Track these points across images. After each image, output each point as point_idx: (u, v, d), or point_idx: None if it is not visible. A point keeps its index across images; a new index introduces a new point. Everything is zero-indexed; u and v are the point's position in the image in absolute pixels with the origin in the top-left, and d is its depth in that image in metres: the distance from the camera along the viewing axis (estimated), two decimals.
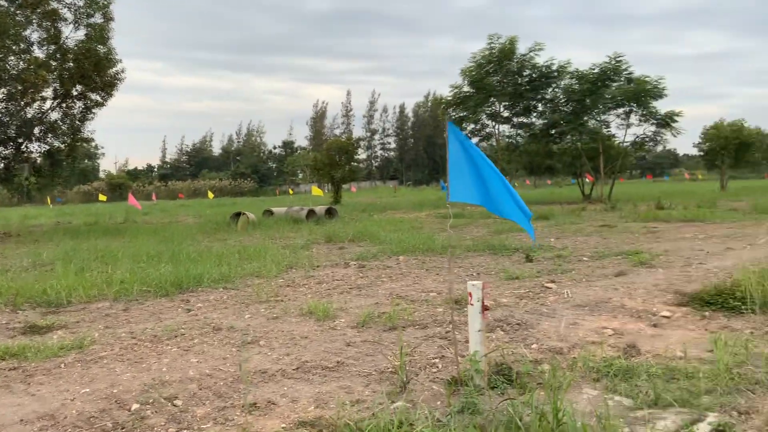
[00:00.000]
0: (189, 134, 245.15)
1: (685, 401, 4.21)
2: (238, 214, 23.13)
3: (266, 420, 4.25)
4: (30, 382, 5.26)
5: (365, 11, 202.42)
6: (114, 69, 23.95)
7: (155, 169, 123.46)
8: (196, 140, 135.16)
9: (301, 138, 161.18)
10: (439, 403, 4.41)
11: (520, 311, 7.31)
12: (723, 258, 10.97)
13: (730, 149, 43.99)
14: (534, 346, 5.84)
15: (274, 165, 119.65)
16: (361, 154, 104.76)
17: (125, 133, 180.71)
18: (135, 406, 4.59)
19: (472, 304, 4.71)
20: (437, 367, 5.27)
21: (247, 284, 9.87)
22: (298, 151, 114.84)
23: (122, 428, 4.22)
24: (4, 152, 23.83)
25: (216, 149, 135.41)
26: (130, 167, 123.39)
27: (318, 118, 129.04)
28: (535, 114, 36.34)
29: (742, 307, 6.83)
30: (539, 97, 35.22)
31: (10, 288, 9.46)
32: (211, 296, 9.02)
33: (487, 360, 4.76)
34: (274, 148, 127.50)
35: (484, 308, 4.77)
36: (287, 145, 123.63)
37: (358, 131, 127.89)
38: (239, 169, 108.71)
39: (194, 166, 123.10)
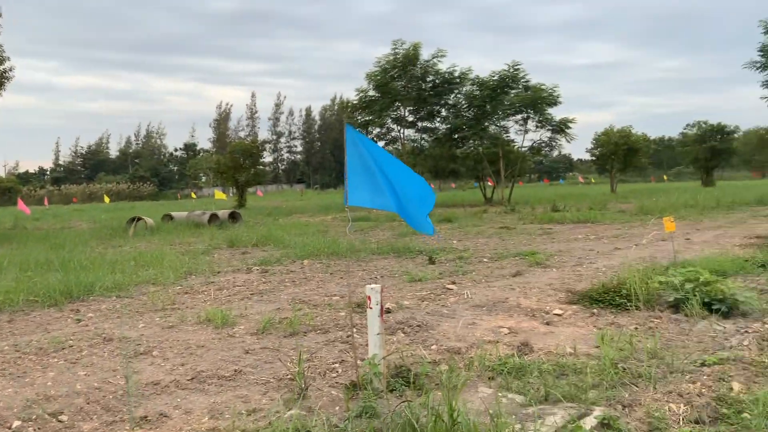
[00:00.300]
0: (84, 136, 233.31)
1: (573, 396, 4.38)
2: (135, 219, 22.24)
3: None
4: None
5: (270, 12, 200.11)
6: (2, 67, 22.48)
7: (47, 173, 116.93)
8: (92, 142, 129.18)
9: (204, 140, 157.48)
10: (337, 408, 4.39)
11: (421, 313, 7.41)
12: (611, 257, 11.57)
13: (620, 154, 46.56)
14: (433, 347, 5.93)
15: (176, 168, 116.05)
16: (267, 157, 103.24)
17: (15, 134, 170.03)
18: (16, 424, 4.30)
19: (371, 308, 4.72)
20: (337, 372, 5.25)
21: (142, 292, 9.49)
22: (201, 154, 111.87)
23: None
24: None
25: (113, 151, 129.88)
26: (21, 170, 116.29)
27: (222, 120, 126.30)
28: (438, 119, 37.11)
29: (628, 303, 7.22)
30: (442, 102, 35.99)
31: None
32: (104, 305, 8.60)
33: (386, 363, 4.79)
34: (176, 150, 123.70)
35: (383, 311, 4.79)
36: (189, 147, 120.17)
37: (263, 134, 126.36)
38: (138, 173, 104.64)
39: (90, 169, 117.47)
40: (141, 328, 7.14)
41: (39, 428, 4.25)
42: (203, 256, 13.72)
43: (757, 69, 27.23)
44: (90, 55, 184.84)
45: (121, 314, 7.97)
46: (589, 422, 3.94)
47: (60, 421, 4.36)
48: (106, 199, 63.26)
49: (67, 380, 5.26)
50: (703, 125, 56.66)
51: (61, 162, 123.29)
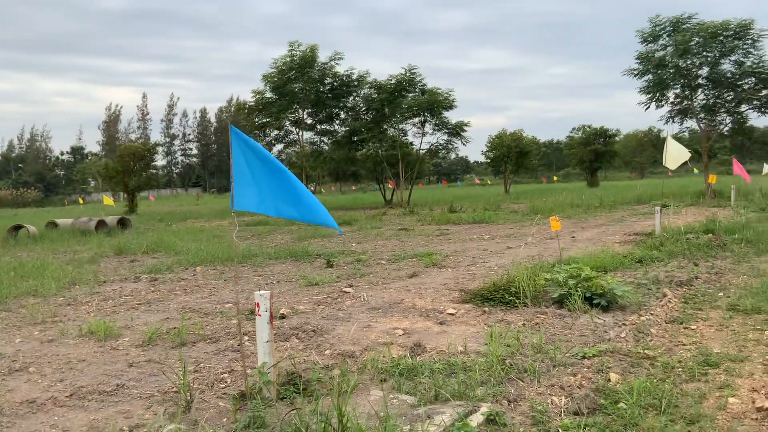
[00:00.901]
0: None
1: (461, 394, 4.47)
2: (17, 228, 20.85)
3: None
4: None
5: (162, 11, 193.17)
6: None
7: None
8: None
9: (93, 143, 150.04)
10: (225, 420, 4.26)
11: (317, 317, 7.35)
12: (503, 256, 11.96)
13: (512, 156, 48.27)
14: (327, 351, 5.89)
15: (63, 173, 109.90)
16: (160, 161, 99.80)
17: None
18: None
19: (259, 315, 4.62)
20: (226, 382, 5.10)
21: (21, 305, 8.88)
22: (89, 158, 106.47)
23: None
24: None
25: None
26: None
27: (111, 123, 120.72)
28: (337, 121, 37.15)
29: (517, 301, 7.47)
30: (341, 104, 36.05)
31: None
32: None
33: (276, 370, 4.70)
34: (62, 154, 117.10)
35: (273, 318, 4.70)
36: (77, 151, 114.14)
37: (156, 136, 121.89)
38: (22, 178, 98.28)
39: None
40: (18, 343, 6.67)
41: None
42: (89, 265, 13.02)
43: (635, 76, 28.98)
44: None
45: None
46: (476, 419, 4.03)
47: None
48: None
49: None
50: (588, 129, 59.78)
51: None
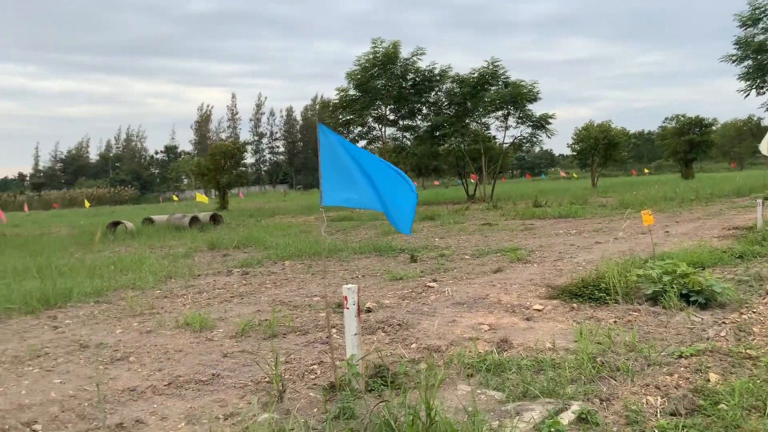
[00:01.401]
0: (64, 141, 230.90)
1: (551, 392, 4.39)
2: (115, 224, 22.03)
3: None
4: None
5: (250, 13, 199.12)
6: None
7: (27, 178, 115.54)
8: (72, 147, 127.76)
9: (185, 142, 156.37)
10: (315, 410, 4.36)
11: (402, 311, 7.39)
12: (591, 252, 11.63)
13: (600, 149, 46.80)
14: (413, 345, 5.91)
15: (157, 171, 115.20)
16: (249, 159, 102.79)
17: None
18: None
19: (347, 308, 4.69)
20: (316, 373, 5.22)
21: (121, 297, 9.38)
22: (182, 157, 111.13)
23: None
24: None
25: (93, 156, 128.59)
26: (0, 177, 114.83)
27: (203, 122, 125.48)
28: (419, 117, 37.14)
29: (607, 297, 7.25)
30: (423, 100, 36.02)
31: None
32: (81, 311, 8.49)
33: (364, 363, 4.76)
34: (156, 153, 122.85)
35: (361, 311, 4.76)
36: (170, 150, 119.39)
37: (245, 135, 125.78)
38: (119, 176, 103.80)
39: (70, 174, 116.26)
40: (118, 334, 7.06)
41: None
42: (183, 260, 13.61)
43: (734, 62, 27.51)
44: (69, 59, 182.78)
45: (98, 320, 7.88)
46: (567, 417, 3.94)
47: (33, 430, 4.29)
48: (87, 204, 62.55)
49: (41, 388, 5.18)
50: (682, 118, 57.16)
51: (41, 167, 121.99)
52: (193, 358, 5.87)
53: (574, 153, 51.79)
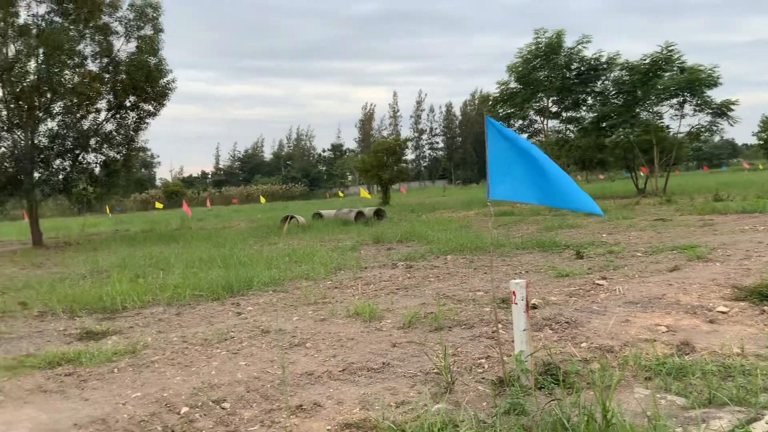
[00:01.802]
0: (241, 141, 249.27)
1: (741, 400, 4.05)
2: (288, 218, 23.42)
3: (312, 422, 4.27)
4: (84, 387, 5.41)
5: (411, 12, 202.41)
6: (165, 79, 24.55)
7: (209, 176, 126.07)
8: (248, 146, 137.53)
9: (350, 140, 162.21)
10: (484, 404, 4.36)
11: (569, 309, 7.17)
12: None
13: None
14: (583, 344, 5.72)
15: (324, 168, 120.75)
16: (409, 155, 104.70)
17: (180, 141, 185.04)
18: (184, 410, 4.67)
19: (516, 303, 4.63)
20: (483, 367, 5.21)
21: (296, 287, 9.96)
22: (347, 154, 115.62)
23: (171, 431, 4.30)
24: (63, 164, 24.69)
25: (267, 155, 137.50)
26: (185, 175, 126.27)
27: (366, 121, 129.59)
28: (584, 108, 35.69)
29: None
30: (588, 90, 34.56)
31: (67, 295, 9.79)
32: (261, 299, 9.14)
33: (533, 360, 4.68)
34: (324, 151, 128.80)
35: (529, 307, 4.68)
36: (336, 148, 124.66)
37: (405, 132, 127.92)
38: (290, 174, 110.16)
39: (247, 171, 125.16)
40: (295, 321, 7.50)
41: (205, 414, 4.58)
42: (351, 253, 14.17)
43: None
44: (245, 64, 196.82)
45: (276, 308, 8.43)
46: (760, 427, 3.62)
47: (223, 408, 4.68)
48: (262, 200, 67.00)
49: (229, 369, 5.64)
50: None
51: (221, 166, 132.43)
52: (364, 347, 6.11)
53: (761, 142, 47.14)
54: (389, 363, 5.49)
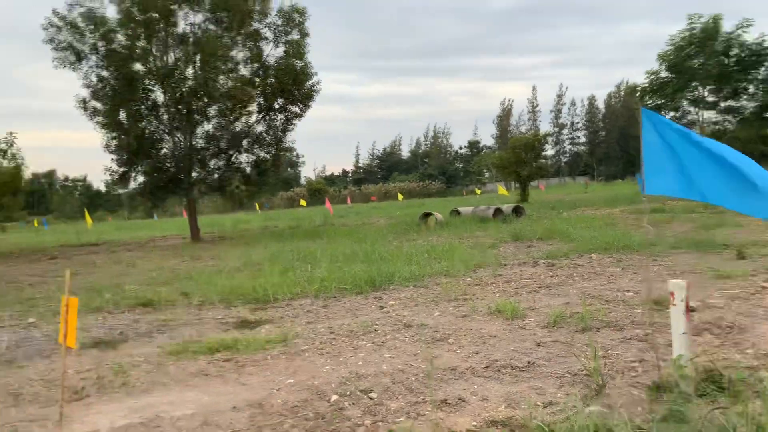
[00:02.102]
0: (380, 140, 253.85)
1: None
2: (426, 215, 23.59)
3: (457, 417, 4.28)
4: (241, 372, 5.76)
5: (550, 3, 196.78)
6: (310, 82, 25.58)
7: (350, 174, 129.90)
8: (387, 145, 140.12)
9: (487, 137, 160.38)
10: (639, 409, 4.15)
11: (731, 313, 6.66)
12: None
13: None
14: (749, 351, 5.28)
15: (461, 165, 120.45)
16: (549, 150, 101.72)
17: (323, 141, 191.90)
18: (334, 398, 4.84)
19: (674, 305, 4.37)
20: (636, 371, 4.97)
21: (435, 283, 10.02)
22: (484, 151, 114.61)
23: (322, 418, 4.48)
24: (218, 164, 26.46)
25: (405, 152, 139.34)
26: (328, 173, 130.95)
27: (504, 116, 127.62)
28: (745, 97, 32.96)
29: None
30: (750, 77, 31.88)
31: (224, 286, 10.48)
32: (402, 294, 9.28)
33: (693, 365, 4.39)
34: (460, 148, 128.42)
35: (689, 309, 4.40)
36: (473, 145, 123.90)
37: (544, 127, 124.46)
38: (427, 171, 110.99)
39: (385, 169, 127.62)
40: (436, 317, 7.55)
41: (353, 403, 4.72)
42: (490, 250, 14.03)
43: None
44: (384, 65, 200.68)
45: (417, 303, 8.53)
46: None
47: (370, 398, 4.80)
48: (400, 197, 67.96)
49: (374, 361, 5.78)
50: None
51: (360, 164, 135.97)
52: (507, 345, 6.02)
53: None
54: (534, 362, 5.38)
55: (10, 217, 29.74)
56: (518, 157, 40.29)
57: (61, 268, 17.00)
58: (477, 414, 4.30)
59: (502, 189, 38.14)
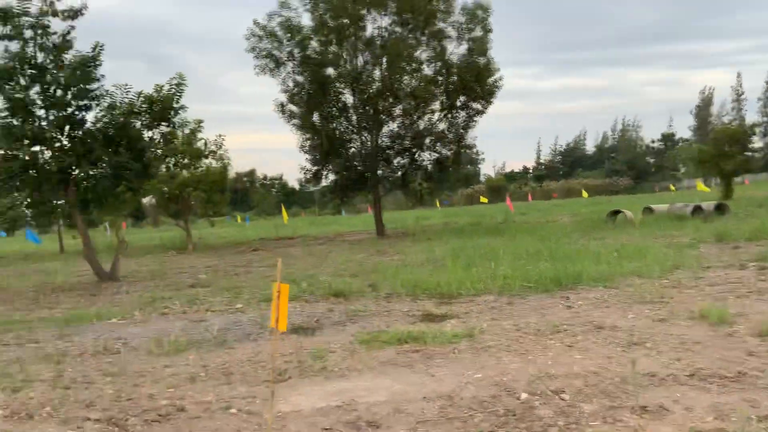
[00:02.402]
0: (562, 135, 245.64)
1: None
2: (615, 212, 22.47)
3: (658, 425, 4.04)
4: (429, 364, 5.88)
5: None
6: (493, 78, 25.49)
7: (530, 171, 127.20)
8: (569, 140, 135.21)
9: (683, 129, 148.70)
10: None
11: None
12: None
13: None
14: None
15: (652, 160, 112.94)
16: (757, 143, 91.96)
17: (502, 138, 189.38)
18: (523, 396, 4.78)
19: None
20: None
21: (627, 284, 9.49)
22: (680, 144, 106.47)
23: (513, 415, 4.44)
24: (401, 161, 27.24)
25: (590, 147, 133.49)
26: (507, 170, 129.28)
27: (703, 106, 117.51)
28: None
29: None
30: None
31: (409, 280, 10.76)
32: (591, 294, 8.92)
33: None
34: (652, 142, 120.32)
35: None
36: (667, 138, 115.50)
37: (751, 117, 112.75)
38: (614, 167, 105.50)
39: (568, 165, 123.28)
40: (630, 319, 7.17)
41: (544, 403, 4.63)
42: (688, 250, 13.02)
43: None
44: (568, 57, 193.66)
45: (608, 304, 8.15)
46: None
47: (562, 399, 4.68)
48: (584, 194, 65.36)
49: (564, 361, 5.63)
50: None
51: (542, 160, 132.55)
52: (713, 352, 5.57)
53: None
54: (746, 372, 4.92)
55: (218, 213, 32.75)
56: (721, 150, 36.89)
57: (263, 259, 18.53)
58: (681, 423, 4.02)
59: (701, 185, 35.12)
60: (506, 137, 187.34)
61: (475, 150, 28.57)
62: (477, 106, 26.08)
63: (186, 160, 25.28)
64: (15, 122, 14.44)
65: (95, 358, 6.93)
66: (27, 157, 14.65)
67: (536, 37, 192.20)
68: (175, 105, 15.94)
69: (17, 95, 14.19)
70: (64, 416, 4.94)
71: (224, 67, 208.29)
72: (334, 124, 26.26)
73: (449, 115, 26.38)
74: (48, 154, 14.94)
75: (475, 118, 26.43)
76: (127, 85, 15.45)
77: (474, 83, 24.92)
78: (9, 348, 7.77)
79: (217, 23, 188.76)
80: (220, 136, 26.58)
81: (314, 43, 25.08)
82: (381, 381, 5.46)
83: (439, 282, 10.21)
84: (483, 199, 62.61)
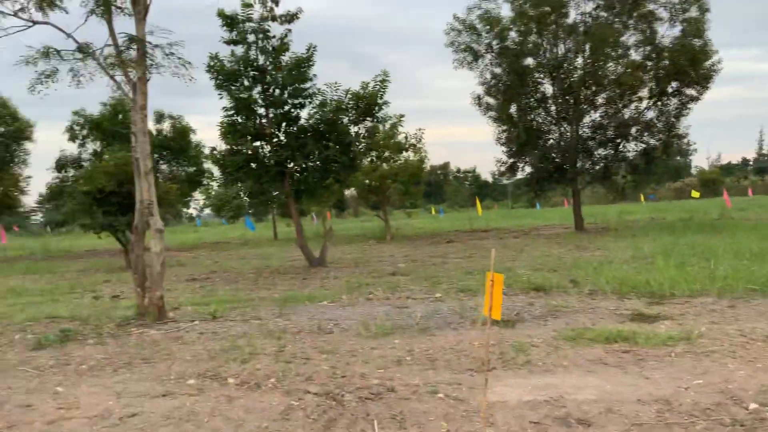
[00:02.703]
0: None
1: None
2: None
3: None
4: (642, 366, 5.56)
5: None
6: (710, 61, 23.36)
7: (750, 163, 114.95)
8: None
9: None
10: None
11: None
12: None
13: None
14: None
15: None
16: None
17: (717, 127, 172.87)
18: (752, 406, 4.38)
19: None
20: None
21: None
22: None
23: (741, 425, 4.08)
24: (603, 153, 25.92)
25: None
26: (723, 162, 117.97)
27: None
28: None
29: None
30: None
31: (615, 277, 10.25)
32: None
33: None
34: None
35: None
36: None
37: None
38: None
39: None
40: None
41: None
42: None
43: None
44: None
45: None
46: None
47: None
48: None
49: None
50: None
51: (764, 151, 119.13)
52: None
53: None
54: None
55: (414, 204, 33.69)
56: None
57: (458, 251, 18.73)
58: None
59: None
60: (722, 126, 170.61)
61: (686, 140, 26.34)
62: (691, 92, 24.05)
63: (387, 154, 26.27)
64: (240, 120, 16.03)
65: (311, 336, 7.48)
66: (249, 152, 16.19)
67: (757, 14, 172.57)
68: (379, 101, 16.67)
69: (242, 95, 15.71)
70: (287, 387, 5.39)
71: (420, 63, 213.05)
72: (532, 115, 25.72)
73: (659, 103, 24.61)
74: (267, 148, 16.38)
75: (688, 105, 24.40)
76: (336, 83, 16.47)
77: (688, 67, 22.99)
78: (236, 323, 8.64)
79: (413, 22, 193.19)
80: (420, 129, 27.24)
81: (513, 34, 24.72)
82: (589, 379, 5.27)
83: (649, 281, 9.62)
84: (695, 194, 57.52)
